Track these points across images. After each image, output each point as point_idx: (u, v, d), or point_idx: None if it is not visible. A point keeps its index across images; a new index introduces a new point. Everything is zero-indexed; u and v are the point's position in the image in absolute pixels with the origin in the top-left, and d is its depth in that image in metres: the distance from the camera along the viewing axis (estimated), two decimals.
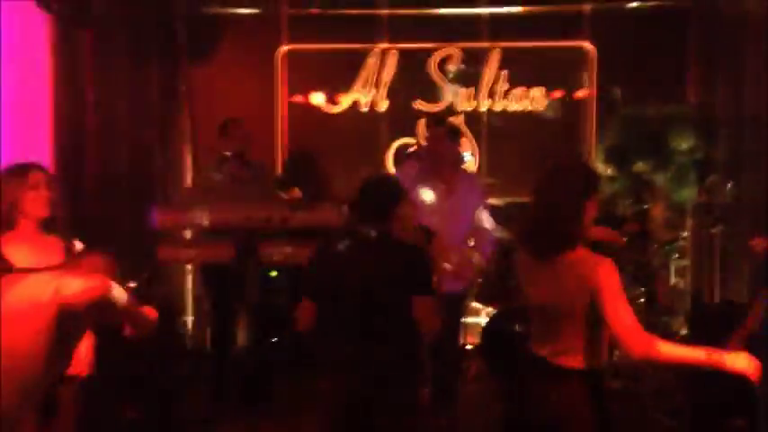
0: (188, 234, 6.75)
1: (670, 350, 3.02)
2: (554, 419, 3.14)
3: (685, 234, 7.10)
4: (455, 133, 5.63)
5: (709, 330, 5.30)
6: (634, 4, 7.48)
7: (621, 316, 2.99)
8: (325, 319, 3.64)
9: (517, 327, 6.04)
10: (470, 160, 7.56)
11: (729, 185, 6.77)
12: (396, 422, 3.59)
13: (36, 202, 3.40)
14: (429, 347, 4.70)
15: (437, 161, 5.30)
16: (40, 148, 5.02)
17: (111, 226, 5.93)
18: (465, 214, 5.27)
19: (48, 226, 3.44)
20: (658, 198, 7.02)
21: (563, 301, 3.10)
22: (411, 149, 7.15)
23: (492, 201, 6.89)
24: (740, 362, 3.00)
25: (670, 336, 6.57)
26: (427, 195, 5.21)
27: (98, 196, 5.82)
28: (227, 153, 5.82)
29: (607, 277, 3.02)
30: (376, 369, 3.53)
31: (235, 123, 5.96)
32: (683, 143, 6.97)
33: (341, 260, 3.62)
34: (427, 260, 3.70)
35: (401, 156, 7.40)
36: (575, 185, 3.13)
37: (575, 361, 3.12)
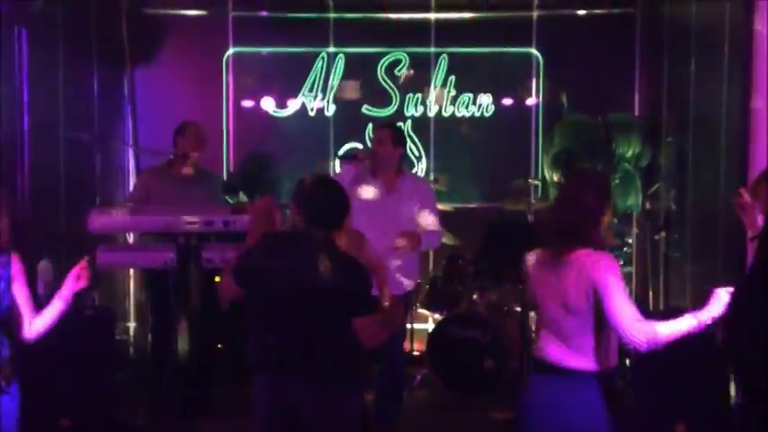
0: (129, 238, 6.65)
1: (668, 331, 3.05)
2: (568, 424, 3.11)
3: (630, 241, 7.15)
4: (399, 137, 5.58)
5: None
6: (581, 12, 7.54)
7: (622, 310, 3.01)
8: (253, 312, 3.48)
9: (463, 333, 6.04)
10: (421, 166, 7.55)
11: (673, 193, 6.84)
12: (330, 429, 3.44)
13: None
14: (373, 353, 4.64)
15: (378, 163, 5.26)
16: None
17: (49, 229, 5.78)
18: (405, 217, 5.21)
19: None
20: None
21: (569, 300, 3.11)
22: (348, 153, 7.10)
23: (440, 206, 6.88)
24: (722, 300, 3.13)
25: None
26: (365, 196, 5.15)
27: (35, 199, 5.66)
28: (178, 155, 5.72)
29: (606, 272, 3.06)
30: (303, 372, 3.38)
31: (192, 126, 5.87)
32: (629, 150, 7.03)
33: (280, 256, 3.45)
34: (369, 278, 3.48)
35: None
36: (597, 191, 3.25)
37: (586, 362, 3.12)
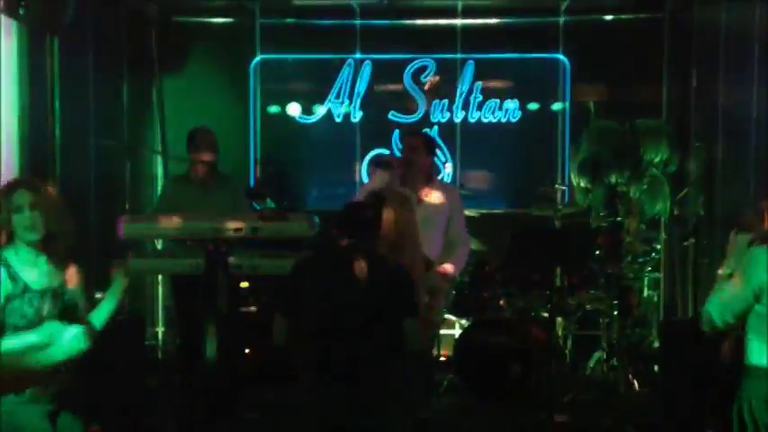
0: (158, 245, 6.70)
1: None
2: None
3: (659, 247, 7.11)
4: (430, 144, 5.60)
5: (681, 343, 5.28)
6: (608, 17, 7.51)
7: None
8: (303, 335, 3.56)
9: (490, 338, 6.02)
10: (448, 172, 7.56)
11: (702, 199, 6.79)
12: None
13: (21, 225, 3.36)
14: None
15: (409, 171, 5.26)
16: (4, 156, 4.93)
17: (79, 236, 5.83)
18: (436, 225, 5.22)
19: (45, 245, 3.39)
20: (632, 210, 7.03)
21: None
22: (381, 158, 7.11)
23: (466, 212, 6.87)
24: None
25: (642, 349, 6.58)
26: None
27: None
28: (196, 162, 5.77)
29: None
30: (357, 386, 3.47)
31: (202, 132, 5.89)
32: (657, 155, 6.99)
33: (322, 276, 3.57)
34: (411, 280, 3.62)
35: (371, 165, 7.39)
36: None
37: None
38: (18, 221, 3.35)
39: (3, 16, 4.75)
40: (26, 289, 3.35)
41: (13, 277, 3.33)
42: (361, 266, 3.51)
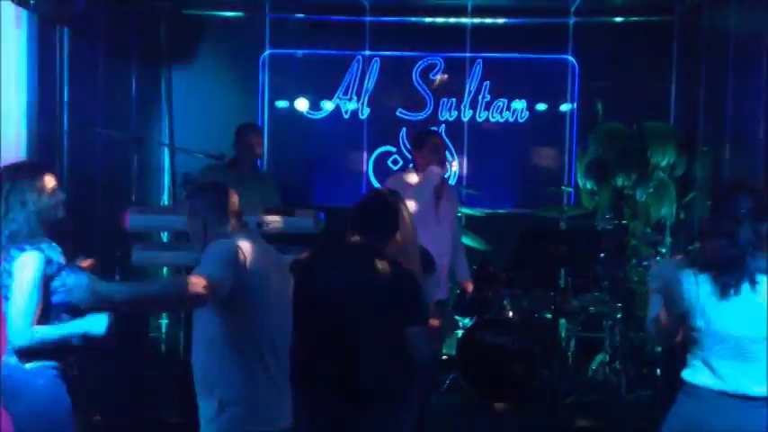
0: (164, 237, 6.72)
1: None
2: None
3: (664, 251, 7.09)
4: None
5: (683, 347, 5.27)
6: (618, 19, 7.50)
7: None
8: (305, 335, 3.39)
9: (493, 339, 6.03)
10: (454, 170, 7.56)
11: (708, 203, 6.77)
12: None
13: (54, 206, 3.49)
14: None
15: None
16: (13, 146, 4.93)
17: (85, 227, 5.85)
18: (448, 224, 5.26)
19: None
20: (638, 214, 7.02)
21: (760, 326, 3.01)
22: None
23: (471, 211, 6.89)
24: None
25: (645, 352, 6.57)
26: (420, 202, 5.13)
27: (72, 196, 5.73)
28: (241, 156, 5.85)
29: None
30: (357, 391, 3.32)
31: (250, 128, 5.96)
32: (664, 159, 6.98)
33: (326, 276, 3.39)
34: (421, 287, 3.42)
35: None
36: (750, 210, 3.04)
37: None
38: (50, 203, 3.44)
39: (13, 5, 4.75)
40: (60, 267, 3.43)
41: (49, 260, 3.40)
42: (375, 267, 3.33)
